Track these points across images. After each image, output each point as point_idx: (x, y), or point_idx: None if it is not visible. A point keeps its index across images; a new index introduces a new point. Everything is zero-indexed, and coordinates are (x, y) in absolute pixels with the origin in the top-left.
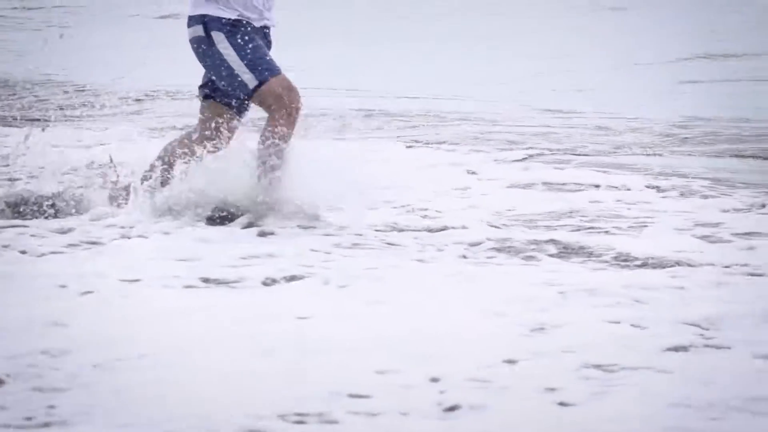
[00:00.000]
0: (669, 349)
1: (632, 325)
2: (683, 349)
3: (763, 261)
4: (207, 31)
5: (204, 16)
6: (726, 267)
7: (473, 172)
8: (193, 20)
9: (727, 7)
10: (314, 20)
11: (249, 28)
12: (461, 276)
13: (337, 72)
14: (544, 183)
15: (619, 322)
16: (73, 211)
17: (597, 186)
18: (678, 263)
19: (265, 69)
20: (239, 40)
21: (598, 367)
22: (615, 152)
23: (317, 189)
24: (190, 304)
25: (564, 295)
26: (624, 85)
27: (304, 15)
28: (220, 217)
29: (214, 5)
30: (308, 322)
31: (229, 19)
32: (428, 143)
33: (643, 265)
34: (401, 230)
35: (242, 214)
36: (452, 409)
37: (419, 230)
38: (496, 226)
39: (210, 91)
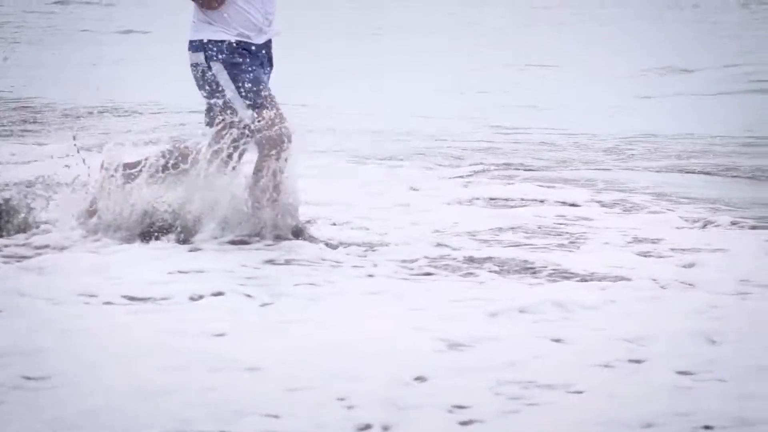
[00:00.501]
0: (591, 366)
1: (557, 341)
2: (606, 365)
3: (699, 278)
4: (207, 60)
5: (204, 42)
6: (661, 283)
7: (416, 188)
8: (193, 46)
9: (683, 21)
10: None
11: (250, 50)
12: (389, 293)
13: (282, 87)
14: (487, 198)
15: (544, 339)
16: (9, 227)
17: (540, 201)
18: (614, 279)
19: (260, 103)
20: (237, 71)
21: (514, 384)
22: (559, 168)
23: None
24: (108, 322)
25: (493, 311)
26: (577, 101)
27: None
28: (154, 231)
29: (213, 27)
30: (226, 338)
31: (230, 43)
32: (371, 158)
33: (579, 281)
34: (337, 246)
35: (176, 230)
36: (365, 428)
37: (356, 246)
38: (435, 243)
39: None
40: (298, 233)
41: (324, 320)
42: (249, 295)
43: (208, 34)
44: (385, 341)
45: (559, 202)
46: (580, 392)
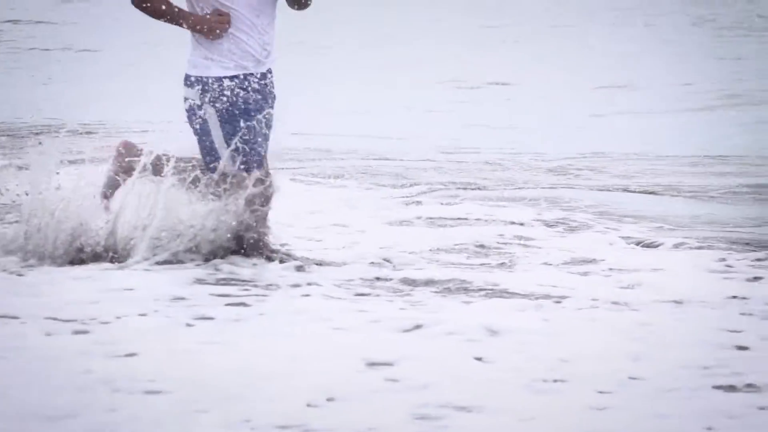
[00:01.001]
0: (511, 387)
1: (480, 361)
2: (526, 386)
3: (635, 298)
4: (201, 99)
5: (200, 78)
6: (596, 303)
7: (357, 208)
8: (188, 81)
9: (635, 39)
10: None
11: (250, 83)
12: (318, 313)
13: None
14: (429, 218)
15: (468, 359)
16: None
17: (483, 221)
18: (549, 298)
19: (244, 161)
20: (229, 118)
21: (430, 406)
22: (504, 187)
23: (196, 225)
24: (22, 343)
25: (421, 331)
26: (527, 120)
27: None
28: (84, 252)
29: (210, 63)
30: (137, 359)
31: (228, 81)
32: (314, 177)
33: (514, 301)
34: (273, 266)
35: (108, 250)
36: None
37: (292, 266)
38: (373, 263)
39: None
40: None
41: (241, 341)
42: (170, 317)
43: (204, 69)
44: (303, 361)
45: (502, 221)
46: (496, 414)
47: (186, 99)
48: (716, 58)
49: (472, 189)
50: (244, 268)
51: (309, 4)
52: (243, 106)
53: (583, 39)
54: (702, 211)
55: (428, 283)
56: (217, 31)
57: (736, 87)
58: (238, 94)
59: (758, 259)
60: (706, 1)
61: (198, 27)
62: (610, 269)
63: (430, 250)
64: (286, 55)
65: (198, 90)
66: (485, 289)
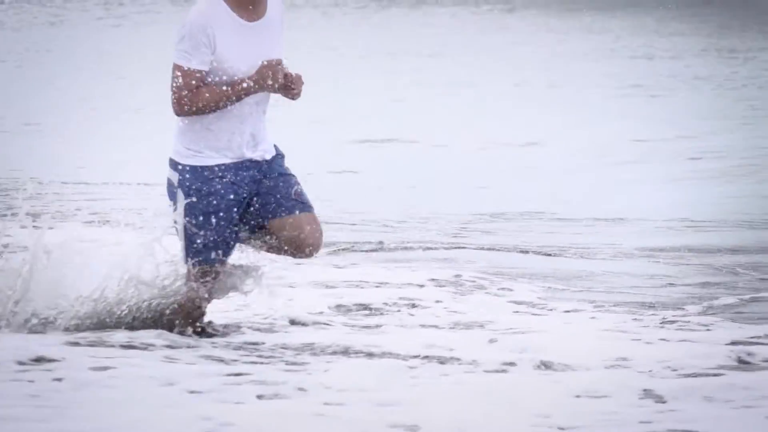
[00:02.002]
0: None
1: (338, 418)
2: None
3: (515, 356)
4: (179, 185)
5: (178, 165)
6: (471, 366)
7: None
8: (170, 165)
9: (534, 97)
10: None
11: (233, 175)
12: (163, 377)
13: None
14: (318, 280)
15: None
16: None
17: (376, 282)
18: (428, 360)
19: (192, 254)
20: (196, 207)
21: None
22: (397, 248)
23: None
24: None
25: (263, 393)
26: (428, 177)
27: None
28: None
29: (188, 150)
30: None
31: (205, 168)
32: None
33: (382, 358)
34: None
35: None
36: None
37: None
38: (253, 327)
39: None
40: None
41: (71, 405)
42: (32, 381)
43: (184, 156)
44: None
45: (395, 283)
46: None
47: (167, 179)
48: (617, 113)
49: (367, 250)
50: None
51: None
52: (212, 200)
53: (482, 96)
54: (597, 271)
55: (305, 346)
56: (270, 83)
57: (638, 148)
58: (211, 186)
59: (664, 321)
60: (608, 61)
61: (267, 84)
62: (499, 332)
63: (314, 313)
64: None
65: (176, 175)
66: (364, 352)
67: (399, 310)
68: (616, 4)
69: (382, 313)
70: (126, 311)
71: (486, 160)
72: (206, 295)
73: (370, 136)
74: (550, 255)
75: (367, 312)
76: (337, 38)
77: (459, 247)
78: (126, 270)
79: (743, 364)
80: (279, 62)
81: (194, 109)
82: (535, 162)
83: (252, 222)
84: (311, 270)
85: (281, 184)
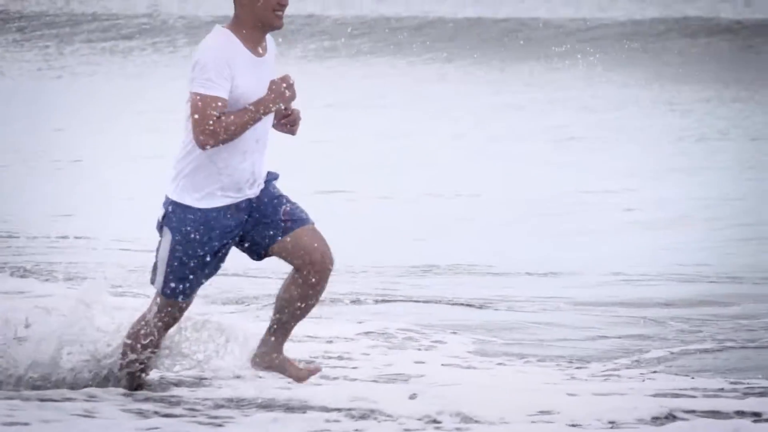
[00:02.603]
0: None
1: None
2: None
3: (438, 410)
4: (165, 220)
5: (172, 203)
6: (392, 421)
7: None
8: (165, 199)
9: (461, 148)
10: None
11: (214, 225)
12: None
13: None
14: (245, 334)
15: None
16: None
17: (298, 335)
18: (348, 411)
19: (170, 287)
20: (183, 248)
21: None
22: (326, 301)
23: None
24: None
25: None
26: (355, 228)
27: None
28: None
29: (184, 187)
30: None
31: (198, 211)
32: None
33: (304, 412)
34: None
35: None
36: None
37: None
38: (178, 381)
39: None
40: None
41: None
42: None
43: (179, 193)
44: None
45: (323, 336)
46: None
47: (158, 216)
48: (559, 169)
49: None
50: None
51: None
52: (200, 241)
53: (422, 148)
54: (528, 324)
55: (232, 400)
56: (287, 94)
57: (574, 200)
58: (199, 227)
59: (593, 374)
60: (547, 113)
61: (273, 105)
62: (424, 385)
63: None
64: None
65: (166, 209)
66: (287, 405)
67: (326, 364)
68: (557, 55)
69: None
70: (63, 372)
71: (423, 212)
72: (156, 339)
73: (306, 187)
74: (481, 307)
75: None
76: None
77: (390, 300)
78: (63, 331)
79: (671, 417)
80: (288, 76)
81: (223, 135)
82: (472, 214)
83: (255, 252)
84: (242, 323)
85: (270, 210)
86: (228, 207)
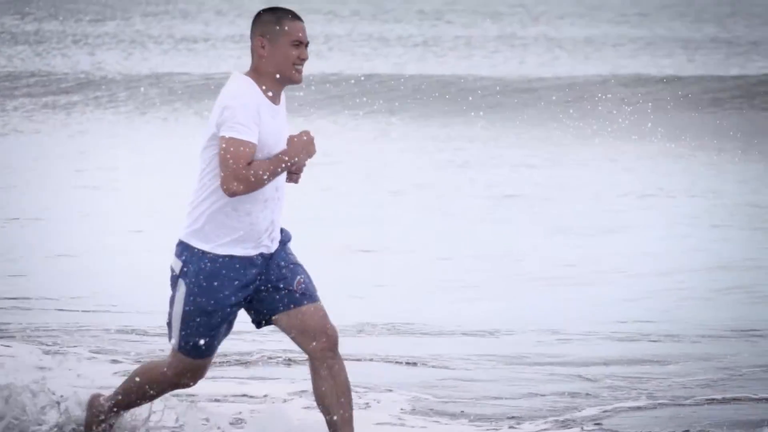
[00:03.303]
0: None
1: None
2: None
3: None
4: (181, 273)
5: (188, 249)
6: None
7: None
8: (178, 248)
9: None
10: None
11: (244, 265)
12: None
13: None
14: (179, 396)
15: None
16: None
17: (228, 395)
18: None
19: (189, 343)
20: (200, 299)
21: None
22: (259, 361)
23: None
24: None
25: None
26: None
27: None
28: None
29: (203, 234)
30: None
31: (218, 258)
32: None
33: None
34: None
35: None
36: None
37: None
38: None
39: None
40: None
41: None
42: None
43: (194, 238)
44: None
45: (257, 396)
46: None
47: (171, 265)
48: (497, 225)
49: (223, 364)
50: None
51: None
52: (217, 290)
53: (360, 204)
54: (461, 381)
55: None
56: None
57: (511, 256)
58: (217, 276)
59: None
60: (488, 169)
61: (299, 159)
62: None
63: (179, 424)
64: None
65: (181, 263)
66: None
67: (258, 424)
68: (501, 111)
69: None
70: None
71: (358, 269)
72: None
73: None
74: (415, 365)
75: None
76: None
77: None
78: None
79: None
80: (310, 132)
81: (254, 183)
82: (408, 271)
83: (257, 317)
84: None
85: (286, 275)
86: (247, 258)
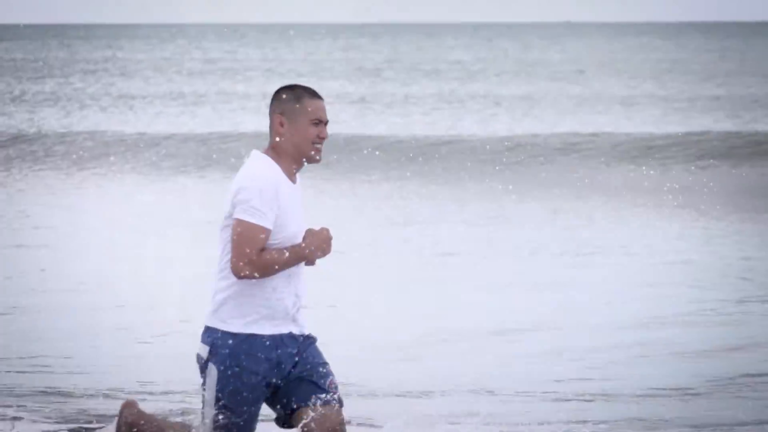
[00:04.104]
0: None
1: None
2: None
3: None
4: (210, 357)
5: (215, 332)
6: None
7: None
8: (204, 334)
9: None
10: None
11: (273, 347)
12: None
13: None
14: None
15: None
16: None
17: None
18: None
19: (223, 429)
20: (232, 382)
21: None
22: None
23: None
24: None
25: None
26: None
27: None
28: None
29: (229, 314)
30: None
31: (249, 338)
32: None
33: None
34: None
35: None
36: None
37: None
38: None
39: None
40: None
41: None
42: None
43: (221, 320)
44: None
45: None
46: None
47: (197, 353)
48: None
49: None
50: None
51: None
52: (248, 371)
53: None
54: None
55: None
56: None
57: (436, 319)
58: (246, 356)
59: None
60: (423, 227)
61: (313, 256)
62: None
63: None
64: None
65: (209, 348)
66: None
67: None
68: (436, 172)
69: None
70: None
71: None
72: None
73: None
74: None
75: None
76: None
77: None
78: None
79: None
80: (328, 230)
81: (262, 270)
82: (333, 332)
83: (285, 410)
84: None
85: (319, 371)
86: (276, 337)
